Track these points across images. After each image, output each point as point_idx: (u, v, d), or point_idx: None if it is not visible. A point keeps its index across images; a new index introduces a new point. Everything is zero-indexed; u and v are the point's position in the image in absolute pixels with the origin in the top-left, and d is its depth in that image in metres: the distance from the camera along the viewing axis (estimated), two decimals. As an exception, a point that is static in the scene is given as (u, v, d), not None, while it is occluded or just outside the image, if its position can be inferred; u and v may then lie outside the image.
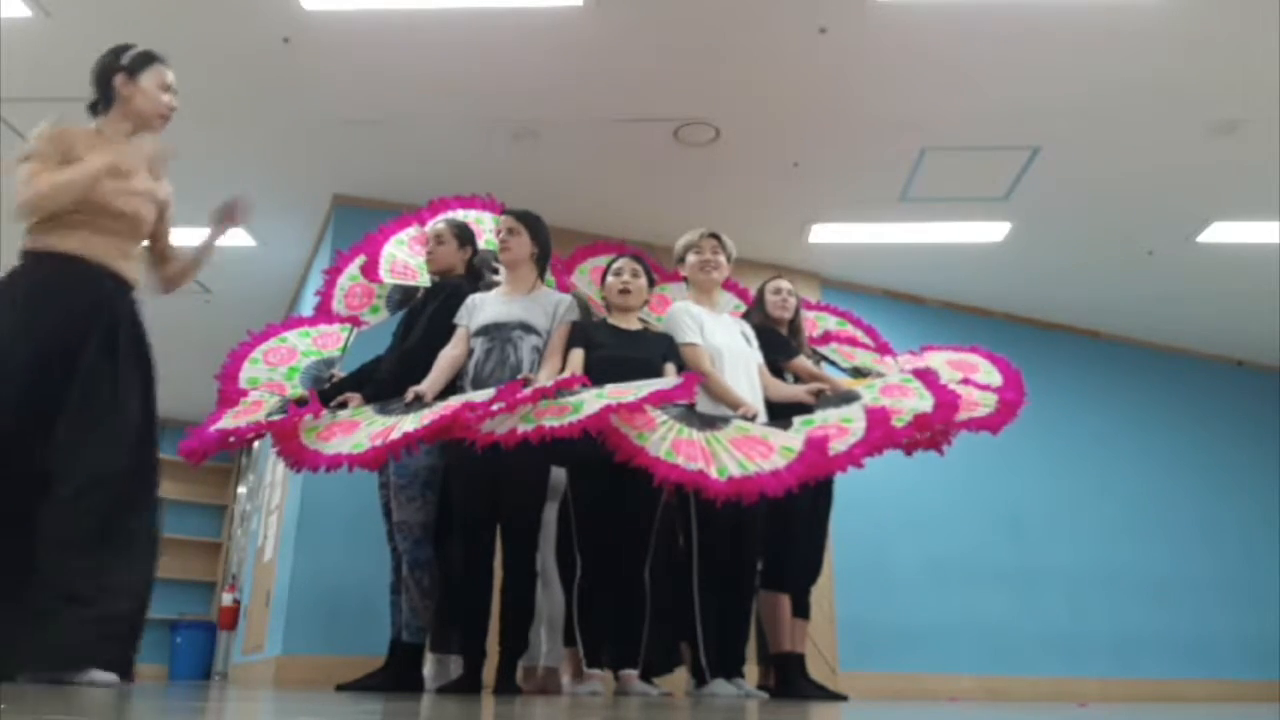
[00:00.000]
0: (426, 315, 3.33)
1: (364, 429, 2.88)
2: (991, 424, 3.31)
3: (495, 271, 3.62)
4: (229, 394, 3.28)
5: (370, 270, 3.64)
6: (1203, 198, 5.04)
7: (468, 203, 3.92)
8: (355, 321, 3.65)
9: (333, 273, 3.79)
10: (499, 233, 3.34)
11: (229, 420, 3.07)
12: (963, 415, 3.27)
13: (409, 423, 2.80)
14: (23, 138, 4.63)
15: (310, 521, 4.55)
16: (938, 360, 3.65)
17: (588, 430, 2.75)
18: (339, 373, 3.42)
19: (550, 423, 2.76)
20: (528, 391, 2.81)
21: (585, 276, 3.91)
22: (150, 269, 2.85)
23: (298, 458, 2.85)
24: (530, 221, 3.34)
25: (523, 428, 2.78)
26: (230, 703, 2.38)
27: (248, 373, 3.35)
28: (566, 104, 4.38)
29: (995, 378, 3.56)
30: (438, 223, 3.62)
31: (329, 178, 5.10)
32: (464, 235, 3.56)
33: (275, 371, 3.37)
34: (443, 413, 2.76)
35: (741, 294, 3.97)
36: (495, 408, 2.75)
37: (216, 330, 6.50)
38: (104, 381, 2.58)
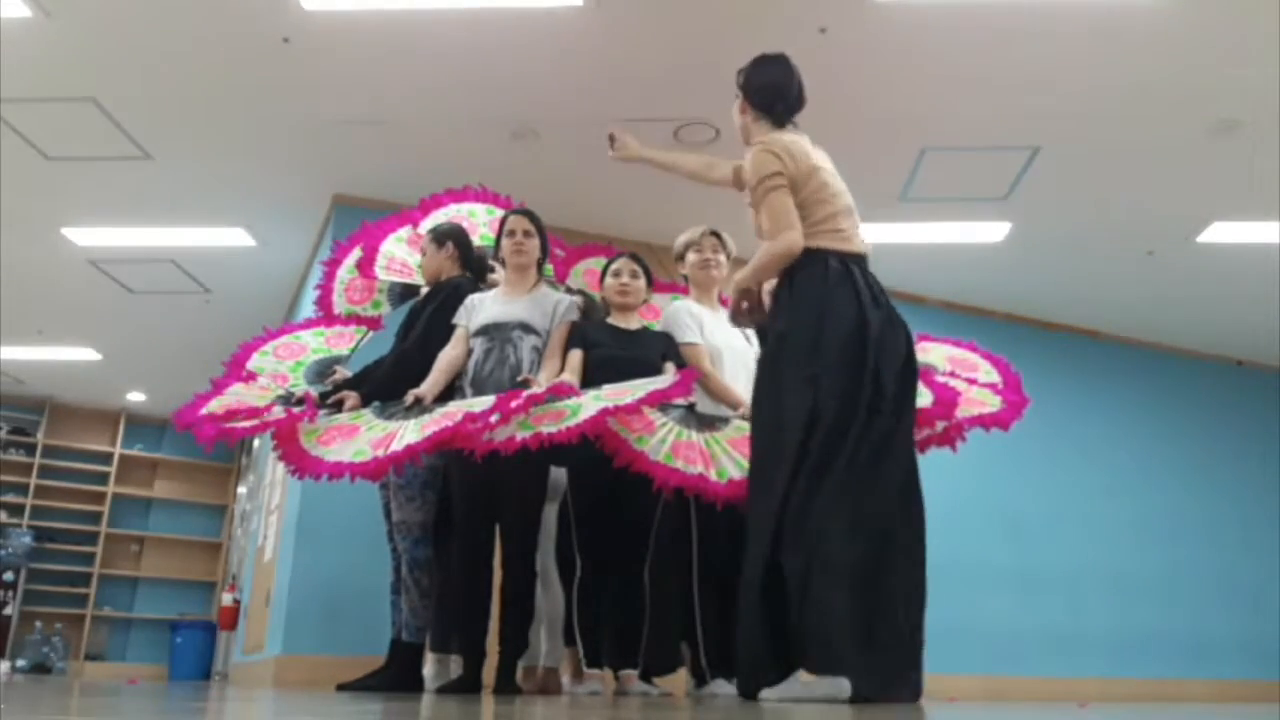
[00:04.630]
0: (425, 316, 3.33)
1: (364, 434, 2.88)
2: (1002, 420, 3.31)
3: (492, 269, 3.61)
4: (234, 374, 3.28)
5: (365, 266, 3.64)
6: (1203, 198, 5.04)
7: (459, 196, 3.91)
8: (374, 324, 3.66)
9: (331, 265, 3.79)
10: (514, 234, 3.31)
11: (229, 397, 3.07)
12: (968, 411, 3.28)
13: (411, 432, 2.79)
14: (23, 138, 4.66)
15: (310, 521, 4.54)
16: (937, 354, 3.65)
17: (586, 434, 2.76)
18: (343, 370, 3.42)
19: (548, 429, 2.76)
20: (522, 399, 2.81)
21: (580, 280, 3.90)
22: None
23: (300, 464, 2.84)
24: (540, 222, 3.35)
25: (521, 434, 2.78)
26: (230, 703, 2.39)
27: (255, 362, 3.37)
28: (566, 104, 4.38)
29: (996, 378, 3.56)
30: (422, 233, 3.62)
31: (329, 178, 5.10)
32: (441, 237, 3.53)
33: (281, 364, 3.39)
34: (444, 424, 2.76)
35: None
36: (494, 419, 2.75)
37: (216, 330, 6.52)
38: None
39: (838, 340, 2.51)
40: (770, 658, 2.33)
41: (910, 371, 2.62)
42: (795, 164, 2.66)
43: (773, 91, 2.80)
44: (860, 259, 2.68)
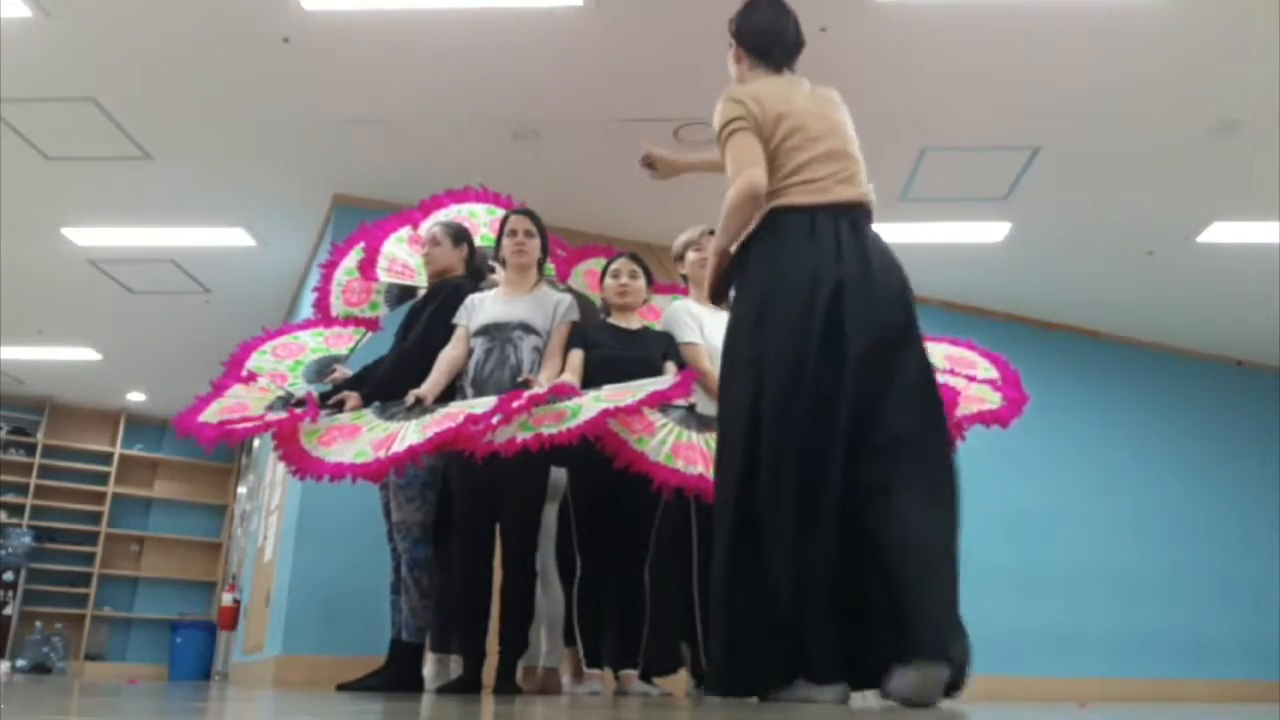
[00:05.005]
0: (425, 316, 3.34)
1: (365, 435, 2.88)
2: (1002, 417, 3.31)
3: (492, 270, 3.61)
4: (233, 374, 3.29)
5: (367, 268, 3.64)
6: (1203, 198, 5.04)
7: (460, 196, 3.91)
8: (372, 325, 3.66)
9: (329, 267, 3.79)
10: (515, 233, 3.31)
11: (229, 399, 3.07)
12: (968, 409, 3.28)
13: (412, 433, 2.79)
14: (23, 138, 4.66)
15: (310, 521, 4.54)
16: (935, 353, 3.64)
17: (586, 435, 2.77)
18: (343, 368, 3.42)
19: (549, 430, 2.77)
20: (524, 399, 2.81)
21: (580, 280, 3.90)
22: None
23: (301, 464, 2.85)
24: (541, 222, 3.35)
25: (521, 435, 2.78)
26: (230, 703, 2.39)
27: (254, 361, 3.37)
28: (566, 104, 4.38)
29: (994, 374, 3.56)
30: (432, 226, 3.62)
31: (329, 178, 5.10)
32: (459, 235, 3.55)
33: (280, 364, 3.39)
34: (446, 424, 2.76)
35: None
36: (495, 420, 2.76)
37: (216, 330, 6.51)
38: None
39: (786, 313, 2.22)
40: (765, 661, 2.12)
41: (906, 330, 2.28)
42: (761, 109, 2.39)
43: (768, 35, 2.56)
44: (838, 209, 2.33)
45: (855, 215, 2.36)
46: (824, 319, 2.20)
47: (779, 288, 2.26)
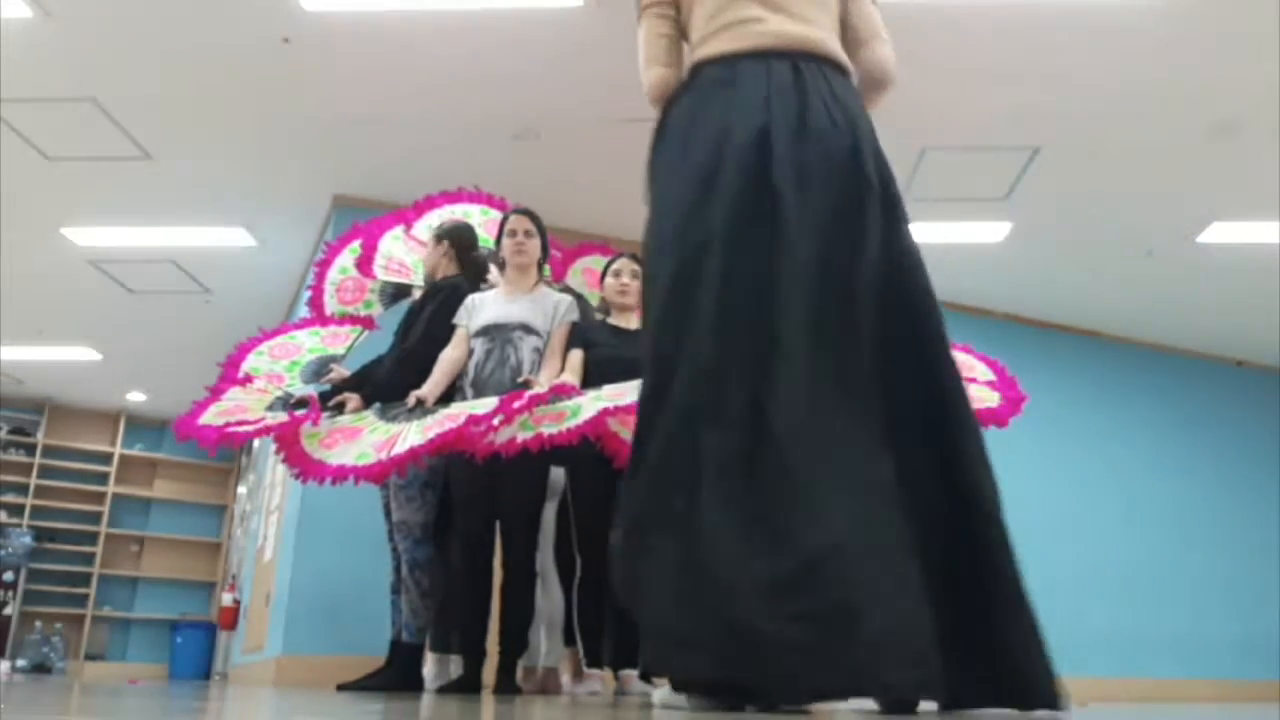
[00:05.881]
0: (425, 316, 3.34)
1: (367, 436, 2.88)
2: (1000, 416, 3.30)
3: (488, 270, 3.61)
4: (230, 377, 3.29)
5: (365, 265, 3.64)
6: (1203, 198, 5.04)
7: (454, 197, 3.91)
8: (368, 324, 3.66)
9: (322, 265, 3.79)
10: (515, 234, 3.31)
11: (227, 403, 3.07)
12: None
13: (413, 434, 2.80)
14: (23, 138, 4.66)
15: (310, 521, 4.54)
16: None
17: (586, 435, 2.78)
18: (340, 368, 3.42)
19: (549, 429, 2.78)
20: (525, 399, 2.82)
21: (579, 279, 3.90)
22: None
23: (303, 467, 2.85)
24: (540, 222, 3.35)
25: (522, 436, 2.79)
26: (230, 703, 2.39)
27: (250, 363, 3.37)
28: (566, 104, 4.38)
29: (993, 376, 3.56)
30: (423, 231, 3.63)
31: (329, 178, 5.10)
32: (439, 234, 3.54)
33: (277, 364, 3.39)
34: (447, 425, 2.76)
35: None
36: (497, 421, 2.76)
37: (216, 330, 6.51)
38: None
39: (688, 192, 1.72)
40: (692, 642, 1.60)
41: (860, 202, 1.71)
42: None
43: None
44: (770, 54, 1.81)
45: (799, 59, 1.83)
46: (742, 170, 1.70)
47: (684, 164, 1.77)
